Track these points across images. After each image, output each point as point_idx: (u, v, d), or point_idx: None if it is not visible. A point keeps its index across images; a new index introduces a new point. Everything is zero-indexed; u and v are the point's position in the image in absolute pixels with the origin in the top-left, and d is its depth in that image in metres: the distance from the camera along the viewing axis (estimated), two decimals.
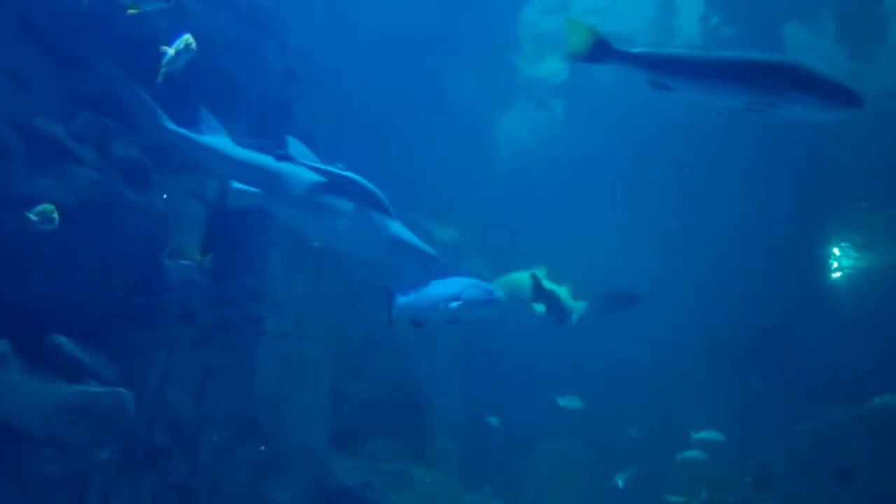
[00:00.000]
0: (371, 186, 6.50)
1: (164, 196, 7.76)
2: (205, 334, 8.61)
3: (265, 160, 6.85)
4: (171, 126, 7.05)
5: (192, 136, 7.08)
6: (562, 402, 13.38)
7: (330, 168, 6.54)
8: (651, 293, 11.34)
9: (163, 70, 5.88)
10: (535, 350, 14.26)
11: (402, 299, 6.48)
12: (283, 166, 6.72)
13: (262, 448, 9.49)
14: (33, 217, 6.15)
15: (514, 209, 14.05)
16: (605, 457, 14.29)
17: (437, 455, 13.27)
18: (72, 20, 7.11)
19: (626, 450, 13.87)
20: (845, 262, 14.90)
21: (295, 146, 6.78)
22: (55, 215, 6.16)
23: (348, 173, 6.49)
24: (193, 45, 6.05)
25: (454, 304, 6.18)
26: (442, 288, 6.40)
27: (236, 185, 6.64)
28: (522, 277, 10.31)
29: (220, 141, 7.12)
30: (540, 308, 8.68)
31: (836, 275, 15.06)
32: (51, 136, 6.85)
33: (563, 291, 9.88)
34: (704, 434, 11.99)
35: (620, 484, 12.89)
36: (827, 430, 11.79)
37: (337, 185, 6.56)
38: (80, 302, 7.19)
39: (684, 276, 13.64)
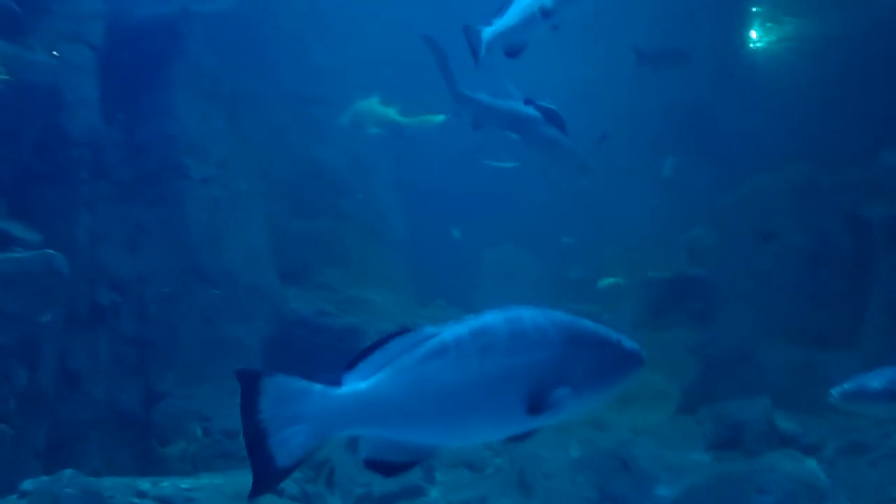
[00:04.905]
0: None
1: (54, 53, 7.24)
2: (126, 188, 8.39)
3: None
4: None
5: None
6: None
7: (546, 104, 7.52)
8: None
9: None
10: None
11: (487, 30, 5.53)
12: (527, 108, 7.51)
13: (217, 292, 9.60)
14: None
15: None
16: (546, 259, 14.92)
17: (389, 279, 13.67)
18: None
19: (563, 253, 14.48)
20: (764, 34, 14.92)
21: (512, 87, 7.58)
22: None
23: (553, 106, 7.51)
24: None
25: (549, 4, 5.04)
26: None
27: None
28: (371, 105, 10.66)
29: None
30: None
31: (755, 47, 15.12)
32: None
33: (391, 111, 10.38)
34: None
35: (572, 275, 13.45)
36: (749, 197, 12.36)
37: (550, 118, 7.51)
38: None
39: (605, 62, 13.52)
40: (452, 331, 2.45)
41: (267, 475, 2.35)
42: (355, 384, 2.42)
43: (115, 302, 8.40)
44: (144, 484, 5.97)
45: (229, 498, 6.00)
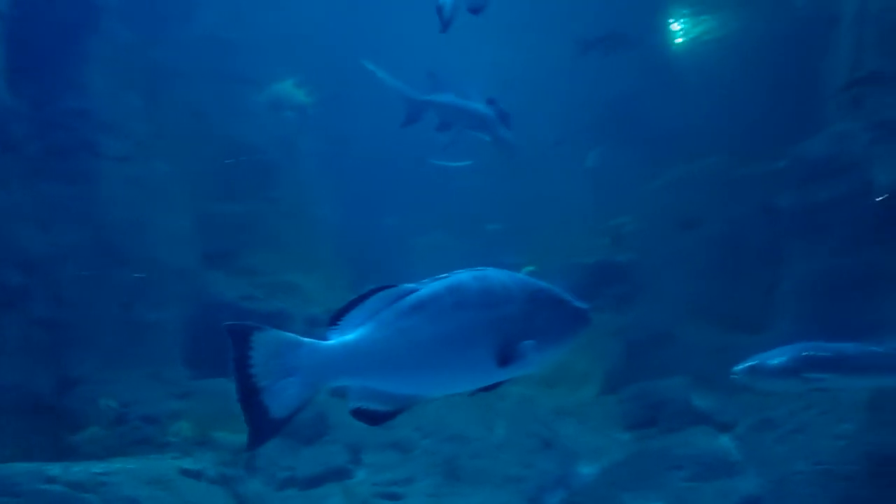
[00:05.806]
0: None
1: None
2: (36, 164, 8.01)
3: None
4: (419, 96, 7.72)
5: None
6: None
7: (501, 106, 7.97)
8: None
9: None
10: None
11: None
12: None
13: (138, 275, 9.30)
14: None
15: None
16: (473, 245, 15.05)
17: (318, 263, 13.49)
18: None
19: (491, 240, 14.64)
20: (686, 28, 15.33)
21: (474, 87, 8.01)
22: None
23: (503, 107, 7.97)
24: None
25: None
26: None
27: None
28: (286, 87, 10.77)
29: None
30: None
31: (678, 41, 15.52)
32: None
33: (299, 94, 10.54)
34: None
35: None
36: (670, 186, 12.72)
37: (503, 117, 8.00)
38: None
39: (532, 56, 13.68)
40: (429, 287, 2.63)
41: (262, 427, 2.42)
42: (342, 337, 2.53)
43: (26, 284, 8.03)
44: (54, 469, 5.75)
45: (145, 482, 5.84)
